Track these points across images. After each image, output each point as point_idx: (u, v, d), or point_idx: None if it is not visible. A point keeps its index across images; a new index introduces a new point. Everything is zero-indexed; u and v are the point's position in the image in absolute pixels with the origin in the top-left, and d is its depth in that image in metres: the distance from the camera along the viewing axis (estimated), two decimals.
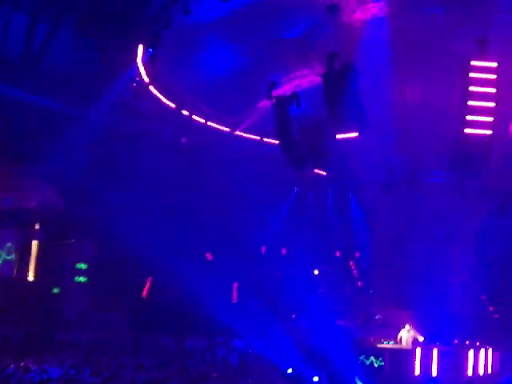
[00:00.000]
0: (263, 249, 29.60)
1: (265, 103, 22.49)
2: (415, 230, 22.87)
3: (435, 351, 21.62)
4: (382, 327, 26.09)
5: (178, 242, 26.12)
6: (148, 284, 29.42)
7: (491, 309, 26.75)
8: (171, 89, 23.56)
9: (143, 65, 20.75)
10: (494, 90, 17.85)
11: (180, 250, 26.10)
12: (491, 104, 17.95)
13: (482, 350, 22.98)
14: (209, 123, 24.78)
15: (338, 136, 20.00)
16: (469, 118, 18.06)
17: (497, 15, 18.21)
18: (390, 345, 22.80)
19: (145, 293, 29.44)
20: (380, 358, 21.87)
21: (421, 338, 22.89)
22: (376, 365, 21.95)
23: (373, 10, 19.26)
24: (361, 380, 20.20)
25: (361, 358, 22.09)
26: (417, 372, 21.47)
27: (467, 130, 18.15)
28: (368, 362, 22.04)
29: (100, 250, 27.51)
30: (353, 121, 19.22)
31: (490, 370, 23.16)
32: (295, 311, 28.89)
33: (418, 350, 21.74)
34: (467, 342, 23.50)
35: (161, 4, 19.19)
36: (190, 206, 26.71)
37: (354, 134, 19.68)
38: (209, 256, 29.27)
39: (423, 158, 21.14)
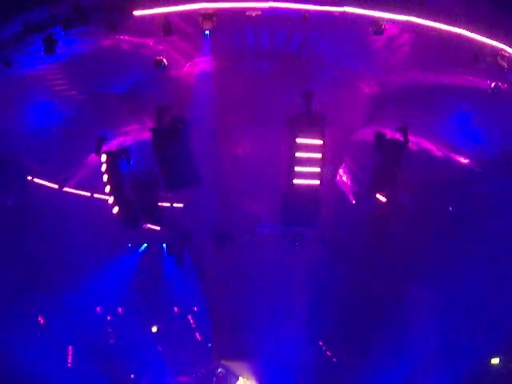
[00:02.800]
0: (98, 309, 28.22)
1: (94, 159, 21.41)
2: (250, 279, 22.36)
3: None
4: (223, 380, 25.46)
5: (6, 307, 24.33)
6: None
7: (329, 353, 26.82)
8: None
9: None
10: (320, 142, 17.99)
11: (8, 315, 24.32)
12: (318, 155, 18.07)
13: None
14: (35, 180, 23.23)
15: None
16: (297, 169, 18.06)
17: (319, 71, 18.44)
18: None
19: None
20: None
21: None
22: None
23: (201, 65, 18.89)
24: None
25: None
26: None
27: (296, 181, 18.14)
28: None
29: None
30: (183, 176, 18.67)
31: None
32: (134, 371, 27.57)
33: None
34: None
35: None
36: (18, 268, 24.88)
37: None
38: (41, 320, 27.41)
39: (255, 210, 20.87)
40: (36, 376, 24.12)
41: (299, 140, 17.99)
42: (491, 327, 23.31)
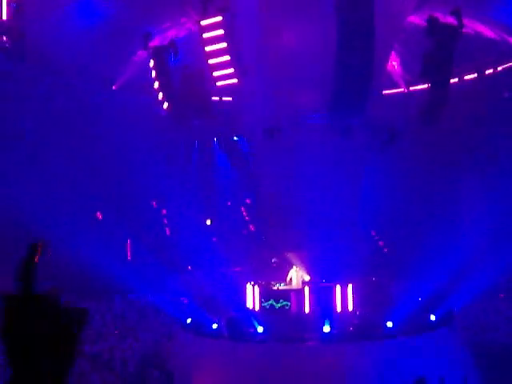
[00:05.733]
0: (154, 204, 28.33)
1: (142, 55, 20.74)
2: (301, 172, 21.73)
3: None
4: (277, 270, 25.47)
5: (67, 204, 24.57)
6: (39, 249, 27.81)
7: (381, 244, 26.46)
8: (41, 46, 21.43)
9: (8, 20, 18.38)
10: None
11: (70, 212, 24.58)
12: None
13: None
14: (85, 81, 22.79)
15: (219, 83, 18.47)
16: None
17: None
18: (281, 286, 21.95)
19: (37, 258, 27.85)
20: (272, 300, 21.17)
21: (307, 278, 22.14)
22: (275, 306, 21.19)
23: None
24: None
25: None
26: (307, 310, 20.87)
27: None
28: (267, 305, 21.27)
29: None
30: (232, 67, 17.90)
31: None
32: (191, 262, 27.86)
33: (307, 289, 21.10)
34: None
35: None
36: (77, 167, 24.95)
37: (234, 81, 18.22)
38: (99, 215, 27.70)
39: (304, 101, 19.95)
40: (98, 269, 24.52)
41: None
42: None
